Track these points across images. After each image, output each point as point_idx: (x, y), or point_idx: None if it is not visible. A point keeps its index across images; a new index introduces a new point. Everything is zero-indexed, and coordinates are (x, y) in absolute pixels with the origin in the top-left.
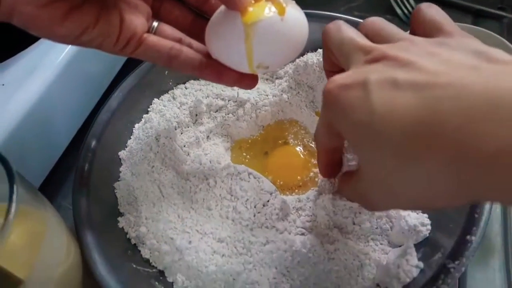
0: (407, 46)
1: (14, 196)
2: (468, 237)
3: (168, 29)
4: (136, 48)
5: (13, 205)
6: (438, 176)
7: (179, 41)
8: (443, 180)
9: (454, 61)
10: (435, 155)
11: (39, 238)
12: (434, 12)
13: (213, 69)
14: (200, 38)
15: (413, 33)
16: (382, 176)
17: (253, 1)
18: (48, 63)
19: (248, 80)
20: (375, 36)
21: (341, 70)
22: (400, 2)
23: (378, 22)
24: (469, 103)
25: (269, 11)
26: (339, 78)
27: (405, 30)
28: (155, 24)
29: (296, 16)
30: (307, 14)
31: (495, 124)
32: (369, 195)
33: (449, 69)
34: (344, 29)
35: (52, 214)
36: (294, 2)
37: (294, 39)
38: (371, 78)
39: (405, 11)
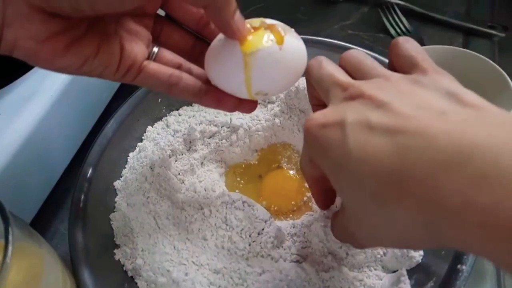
0: (382, 84)
1: (10, 237)
2: (459, 266)
3: (168, 54)
4: (136, 75)
5: (10, 247)
6: (410, 223)
7: (179, 67)
8: (414, 228)
9: (424, 104)
10: (405, 204)
11: (36, 275)
12: (409, 47)
13: (213, 96)
14: (200, 62)
15: (391, 66)
16: (363, 215)
17: (252, 30)
18: (43, 92)
19: (247, 105)
20: (353, 71)
21: (325, 104)
22: (393, 22)
23: (356, 56)
24: (433, 155)
25: (268, 39)
26: (318, 116)
27: None
28: (155, 50)
29: (295, 44)
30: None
31: (457, 180)
32: (355, 234)
33: (418, 114)
34: (324, 65)
35: (47, 250)
36: (293, 30)
37: (293, 68)
38: (348, 119)
39: (398, 30)
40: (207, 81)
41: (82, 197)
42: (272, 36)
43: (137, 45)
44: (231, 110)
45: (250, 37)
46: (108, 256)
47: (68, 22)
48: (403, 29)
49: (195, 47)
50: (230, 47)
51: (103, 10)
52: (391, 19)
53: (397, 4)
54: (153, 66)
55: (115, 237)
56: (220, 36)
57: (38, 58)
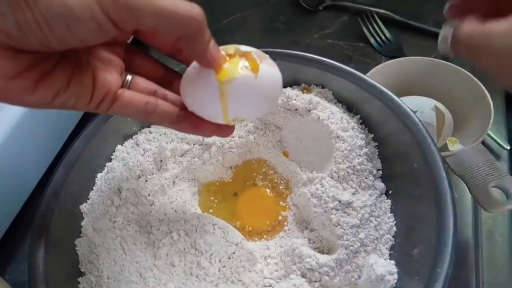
0: None
1: None
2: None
3: (142, 81)
4: (111, 105)
5: None
6: None
7: (154, 93)
8: None
9: None
10: None
11: None
12: None
13: (191, 122)
14: (173, 88)
15: None
16: None
17: (227, 57)
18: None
19: (224, 130)
20: None
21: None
22: (373, 31)
23: None
24: None
25: (243, 67)
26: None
27: (378, 58)
28: (129, 77)
29: (270, 72)
30: (274, 54)
31: None
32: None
33: None
34: None
35: None
36: (267, 56)
37: (269, 94)
38: None
39: (378, 39)
40: (183, 107)
41: (45, 221)
42: (247, 63)
43: (110, 74)
44: (209, 135)
45: (225, 65)
46: (72, 285)
47: (37, 56)
48: (383, 38)
49: (166, 75)
50: (205, 75)
51: (73, 45)
52: (371, 28)
53: (377, 13)
54: (127, 94)
55: (80, 264)
56: (195, 63)
57: (6, 96)
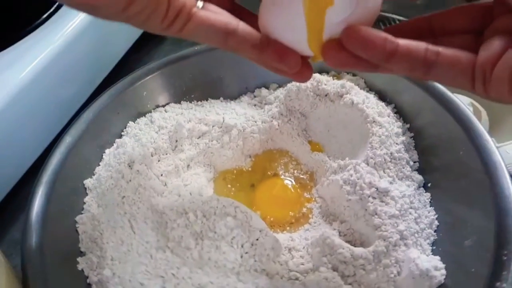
0: None
1: None
2: (498, 284)
3: (215, 9)
4: (185, 24)
5: None
6: None
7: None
8: None
9: None
10: None
11: None
12: None
13: (275, 49)
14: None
15: None
16: None
17: None
18: (14, 73)
19: (304, 72)
20: None
21: None
22: None
23: None
24: None
25: None
26: None
27: None
28: (199, 3)
29: None
30: None
31: None
32: None
33: None
34: None
35: None
36: None
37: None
38: None
39: None
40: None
41: (43, 194)
42: None
43: None
44: (292, 69)
45: None
46: (70, 265)
47: None
48: None
49: (234, 8)
50: None
51: None
52: None
53: (399, 20)
54: (203, 13)
55: (80, 243)
56: None
57: None
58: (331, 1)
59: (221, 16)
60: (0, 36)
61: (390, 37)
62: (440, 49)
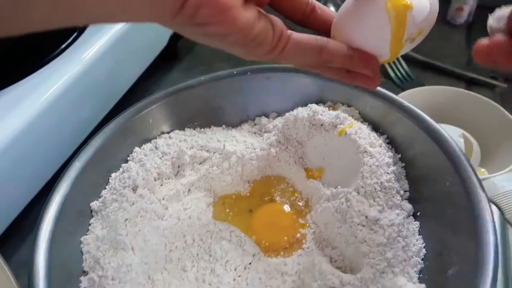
0: None
1: None
2: None
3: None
4: (285, 45)
5: None
6: None
7: None
8: None
9: None
10: None
11: None
12: None
13: (360, 56)
14: None
15: None
16: None
17: None
18: (32, 99)
19: (376, 78)
20: None
21: None
22: (394, 66)
23: None
24: None
25: None
26: None
27: (397, 92)
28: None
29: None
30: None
31: None
32: None
33: None
34: None
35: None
36: None
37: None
38: None
39: (399, 74)
40: None
41: (52, 216)
42: None
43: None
44: (375, 72)
45: None
46: (74, 285)
47: None
48: (404, 74)
49: None
50: (374, 2)
51: None
52: (392, 63)
53: None
54: (296, 33)
55: (84, 263)
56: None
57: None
58: (410, 4)
59: (307, 35)
60: (21, 65)
61: None
62: None
